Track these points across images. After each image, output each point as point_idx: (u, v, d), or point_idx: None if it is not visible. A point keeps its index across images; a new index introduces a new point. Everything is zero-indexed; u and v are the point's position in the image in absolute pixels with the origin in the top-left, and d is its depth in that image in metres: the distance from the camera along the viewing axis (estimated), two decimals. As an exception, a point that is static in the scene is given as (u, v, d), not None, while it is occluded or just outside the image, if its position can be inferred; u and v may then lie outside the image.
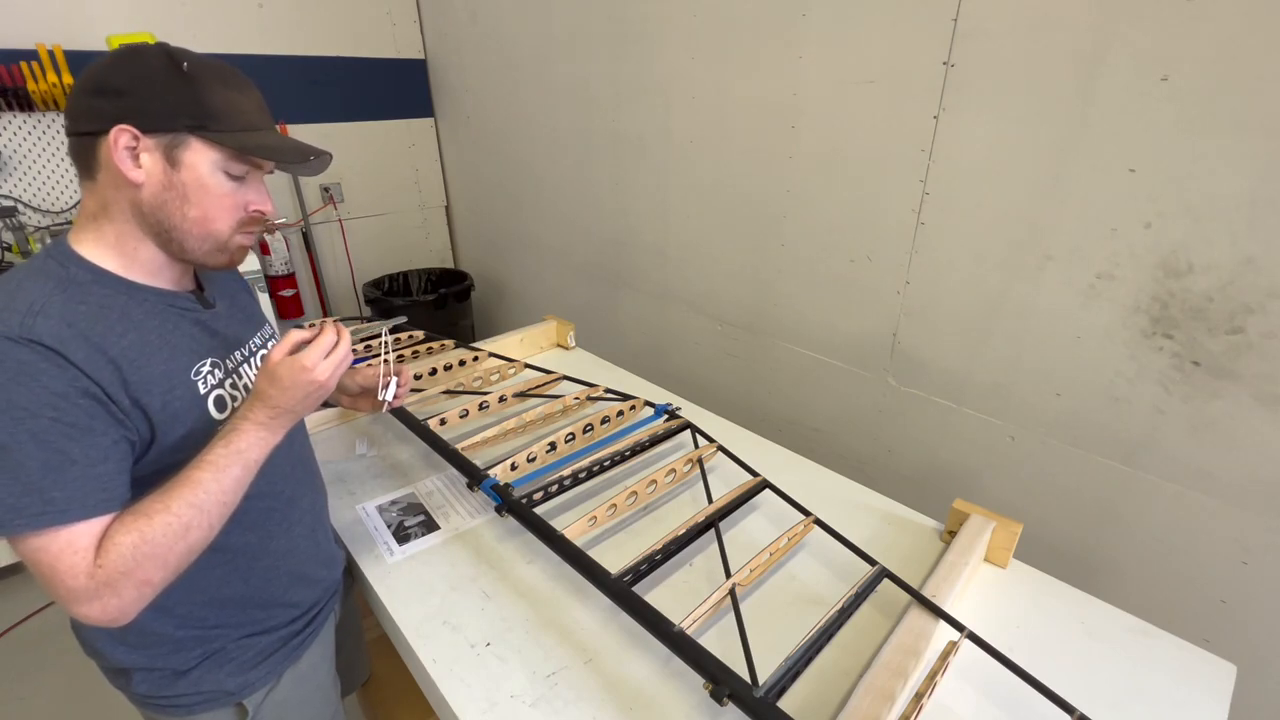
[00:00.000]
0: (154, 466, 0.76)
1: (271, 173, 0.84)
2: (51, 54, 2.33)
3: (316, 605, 1.02)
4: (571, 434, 1.31)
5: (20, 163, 2.40)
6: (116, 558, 0.69)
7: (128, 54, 0.73)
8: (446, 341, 1.77)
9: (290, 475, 0.95)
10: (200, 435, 0.79)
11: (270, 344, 0.96)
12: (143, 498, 0.72)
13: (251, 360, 0.91)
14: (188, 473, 0.74)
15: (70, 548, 0.68)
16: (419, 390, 1.49)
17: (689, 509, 1.18)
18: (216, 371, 0.83)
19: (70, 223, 2.49)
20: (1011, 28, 1.29)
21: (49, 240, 2.30)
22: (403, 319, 1.12)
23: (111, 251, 0.76)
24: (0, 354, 0.65)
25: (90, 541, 0.69)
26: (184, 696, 0.88)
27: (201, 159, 0.75)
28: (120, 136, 0.71)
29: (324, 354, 0.80)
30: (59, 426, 0.66)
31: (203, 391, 0.80)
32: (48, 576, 0.68)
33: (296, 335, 0.81)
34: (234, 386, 0.86)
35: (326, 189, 3.24)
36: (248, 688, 0.92)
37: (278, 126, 0.87)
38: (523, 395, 1.49)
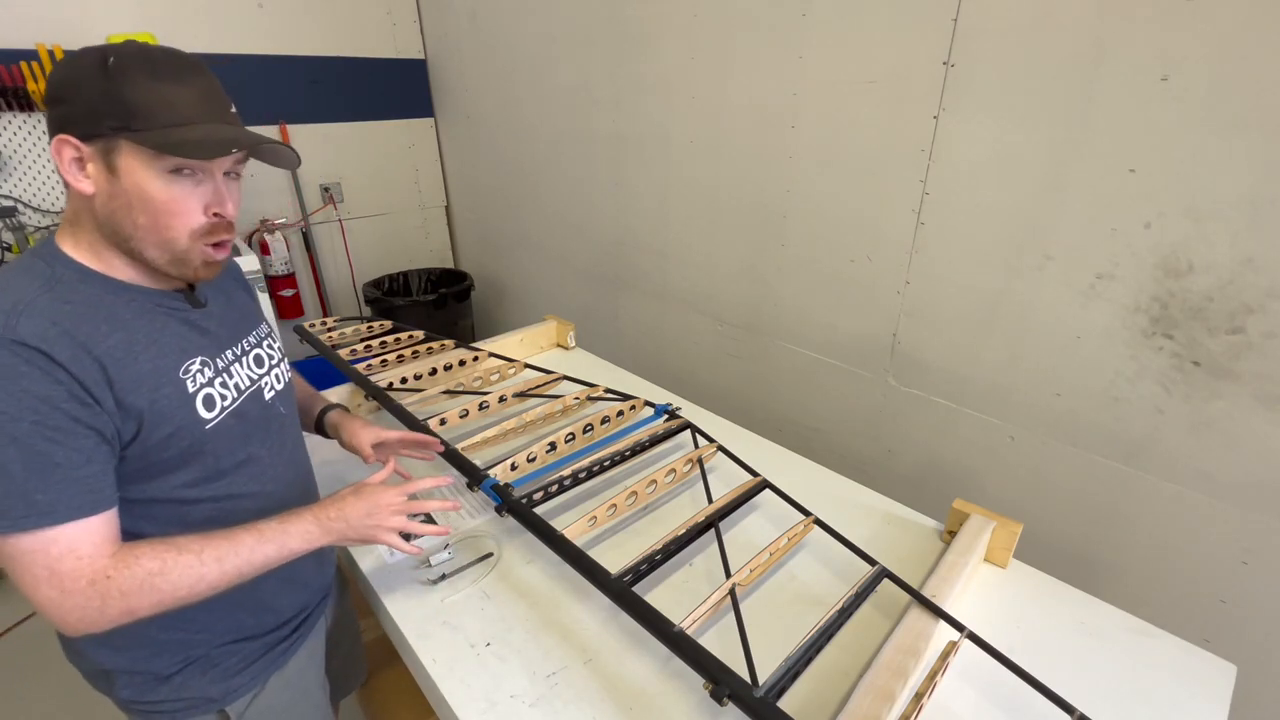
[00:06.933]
0: (139, 463, 0.76)
1: (236, 176, 0.79)
2: (51, 54, 2.33)
3: (305, 610, 1.01)
4: (571, 434, 1.31)
5: (20, 163, 2.40)
6: (130, 575, 0.71)
7: (69, 58, 0.72)
8: (446, 341, 1.77)
9: (281, 477, 0.94)
10: (186, 433, 0.78)
11: (266, 343, 0.96)
12: (186, 532, 0.77)
13: (244, 359, 0.90)
14: (235, 530, 0.78)
15: (73, 553, 0.68)
16: (419, 390, 1.49)
17: (689, 509, 1.18)
18: (206, 370, 0.82)
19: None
20: (1011, 28, 1.29)
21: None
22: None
23: (90, 255, 0.76)
24: None
25: (92, 549, 0.69)
26: (166, 703, 0.88)
27: (135, 163, 0.71)
28: (63, 148, 0.70)
29: (403, 495, 0.91)
30: (41, 430, 0.66)
31: (191, 390, 0.79)
32: (41, 579, 0.67)
33: (404, 482, 0.94)
34: (224, 386, 0.84)
35: (326, 189, 3.24)
36: (231, 694, 0.91)
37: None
38: (523, 395, 1.49)
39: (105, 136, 0.70)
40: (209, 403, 0.81)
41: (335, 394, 1.52)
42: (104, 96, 0.69)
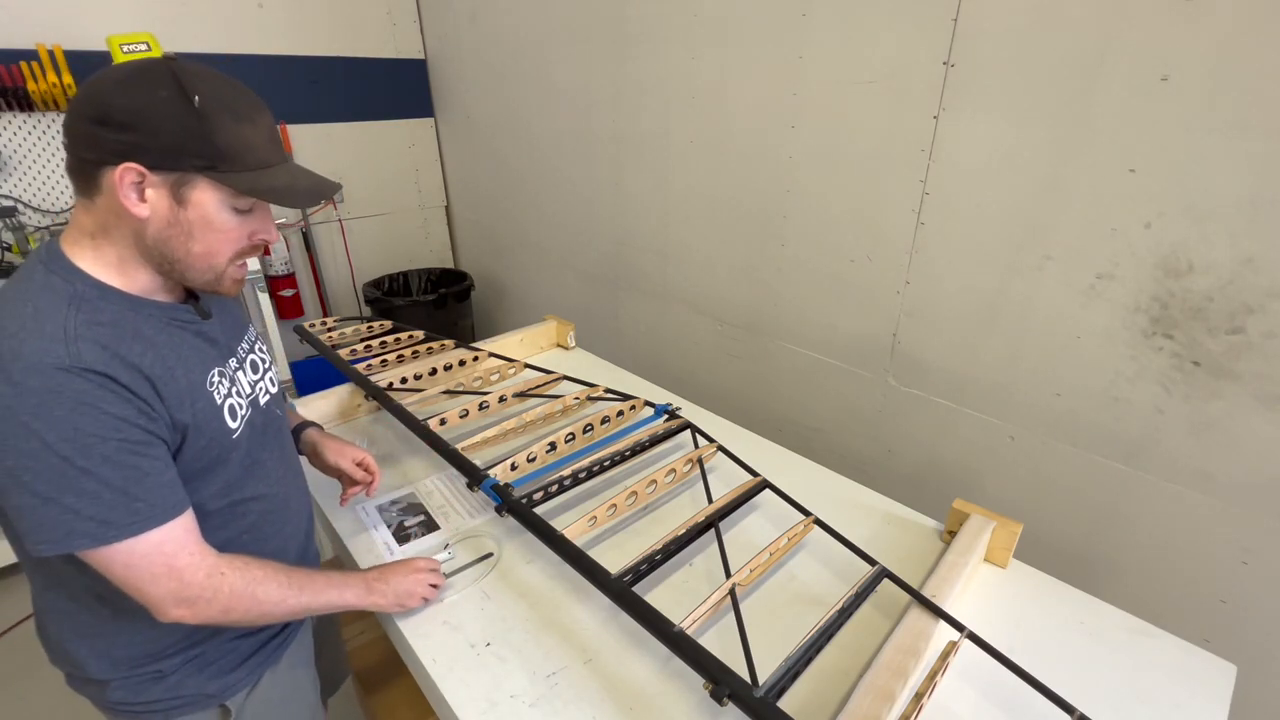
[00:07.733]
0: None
1: None
2: (51, 54, 2.33)
3: None
4: (571, 434, 1.31)
5: (20, 163, 2.40)
6: (240, 577, 0.80)
7: (133, 80, 0.69)
8: (446, 341, 1.77)
9: (284, 478, 0.97)
10: (216, 444, 0.81)
11: (258, 348, 0.98)
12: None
13: (244, 366, 0.92)
14: (312, 570, 0.90)
15: (185, 549, 0.75)
16: (419, 390, 1.49)
17: (689, 509, 1.18)
18: (224, 381, 0.84)
19: (67, 224, 2.49)
20: (1011, 28, 1.29)
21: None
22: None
23: (112, 270, 0.75)
24: (58, 385, 0.66)
25: (198, 545, 0.76)
26: (160, 702, 0.88)
27: (209, 198, 0.73)
28: (126, 175, 0.69)
29: (432, 570, 1.01)
30: (126, 445, 0.70)
31: (218, 402, 0.82)
32: (160, 575, 0.73)
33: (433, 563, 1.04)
34: (238, 395, 0.87)
35: (326, 189, 3.24)
36: (229, 689, 0.92)
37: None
38: (523, 395, 1.49)
39: (182, 170, 0.71)
40: (233, 413, 0.84)
41: (335, 394, 1.52)
42: (192, 136, 0.70)
